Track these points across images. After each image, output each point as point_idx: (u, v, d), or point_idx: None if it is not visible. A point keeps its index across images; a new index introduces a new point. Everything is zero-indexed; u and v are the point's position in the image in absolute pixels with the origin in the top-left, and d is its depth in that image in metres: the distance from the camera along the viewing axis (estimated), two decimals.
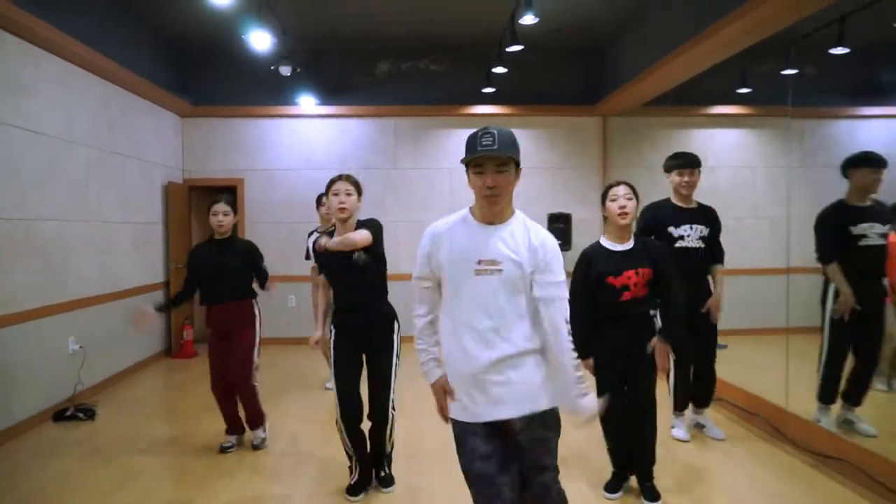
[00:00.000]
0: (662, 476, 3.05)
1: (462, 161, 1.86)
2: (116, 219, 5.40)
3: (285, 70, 5.62)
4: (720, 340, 5.17)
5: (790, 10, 3.74)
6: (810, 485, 3.12)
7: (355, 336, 2.97)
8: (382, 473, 3.10)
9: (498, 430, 1.83)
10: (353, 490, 2.98)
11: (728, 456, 3.53)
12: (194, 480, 3.24)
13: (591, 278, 2.79)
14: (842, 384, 3.60)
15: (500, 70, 6.07)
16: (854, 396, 3.59)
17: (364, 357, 3.01)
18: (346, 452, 3.03)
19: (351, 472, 3.04)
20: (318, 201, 4.80)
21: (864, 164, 3.45)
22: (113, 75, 5.21)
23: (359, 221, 2.97)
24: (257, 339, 3.64)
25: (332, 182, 2.97)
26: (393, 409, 3.03)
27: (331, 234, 3.01)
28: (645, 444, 2.91)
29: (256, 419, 3.68)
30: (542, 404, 1.82)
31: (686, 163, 3.61)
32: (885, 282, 3.58)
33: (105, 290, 5.16)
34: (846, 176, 3.53)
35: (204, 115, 6.89)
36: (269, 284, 3.69)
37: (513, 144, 1.81)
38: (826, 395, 3.61)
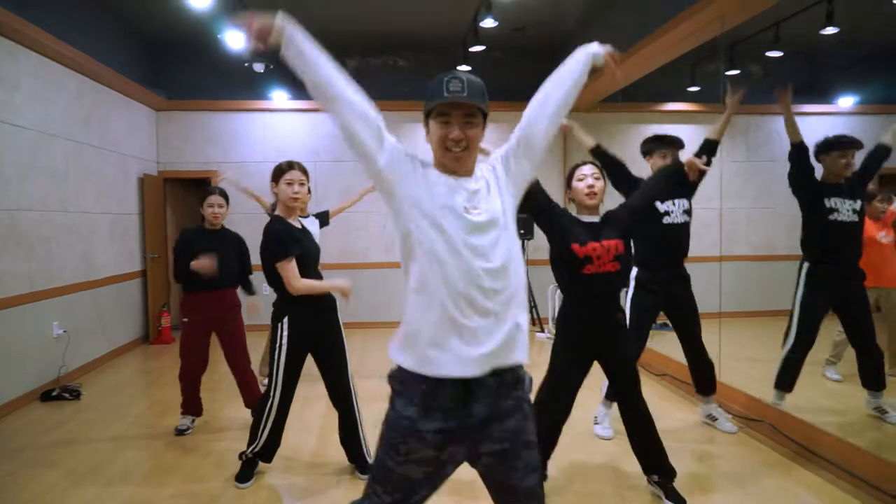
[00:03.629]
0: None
1: (425, 109, 1.58)
2: (95, 209, 5.59)
3: (259, 67, 5.86)
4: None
5: (716, 22, 4.15)
6: (737, 443, 3.56)
7: (311, 329, 2.99)
8: (366, 460, 3.08)
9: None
10: (243, 477, 3.04)
11: (665, 419, 3.94)
12: (174, 457, 3.52)
13: (554, 215, 2.65)
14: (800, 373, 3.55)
15: (464, 69, 6.39)
16: (874, 381, 3.51)
17: (314, 351, 3.05)
18: (258, 436, 2.99)
19: (242, 458, 3.09)
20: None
21: (833, 147, 3.47)
22: (87, 70, 5.37)
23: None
24: (244, 330, 3.80)
25: (282, 170, 2.94)
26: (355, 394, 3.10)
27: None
28: (650, 432, 2.78)
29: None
30: None
31: (667, 143, 3.60)
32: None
33: (86, 277, 5.36)
34: (818, 161, 3.54)
35: (178, 109, 7.06)
36: (255, 298, 3.71)
37: (483, 95, 1.58)
38: (784, 383, 3.58)
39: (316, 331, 3.00)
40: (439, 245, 1.48)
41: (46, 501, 2.89)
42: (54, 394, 4.54)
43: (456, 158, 1.55)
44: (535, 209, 2.64)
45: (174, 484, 3.07)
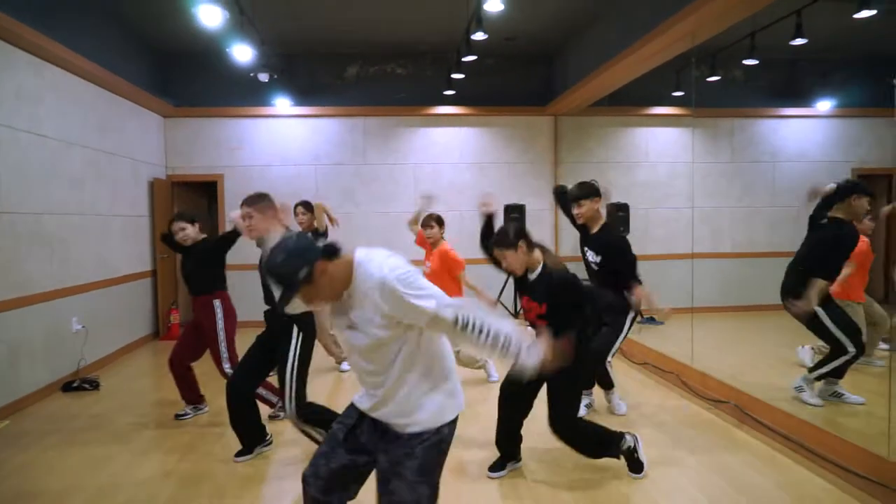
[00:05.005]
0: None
1: None
2: (108, 212, 5.92)
3: (263, 77, 6.17)
4: (658, 318, 5.87)
5: (687, 37, 4.49)
6: (702, 422, 3.89)
7: (268, 326, 3.36)
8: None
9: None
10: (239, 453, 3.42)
11: (643, 402, 4.27)
12: (190, 438, 3.87)
13: None
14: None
15: (458, 76, 6.72)
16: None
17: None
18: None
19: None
20: (295, 210, 5.00)
21: (865, 193, 3.82)
22: (102, 80, 5.69)
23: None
24: (220, 332, 3.93)
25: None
26: (292, 400, 3.16)
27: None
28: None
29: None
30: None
31: (572, 196, 3.67)
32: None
33: (101, 276, 5.69)
34: (843, 200, 3.79)
35: (185, 116, 7.40)
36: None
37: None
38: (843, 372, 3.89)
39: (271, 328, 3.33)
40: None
41: (78, 474, 3.23)
42: (75, 385, 4.87)
43: None
44: None
45: (191, 459, 3.40)
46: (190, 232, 3.97)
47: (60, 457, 3.49)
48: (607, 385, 4.10)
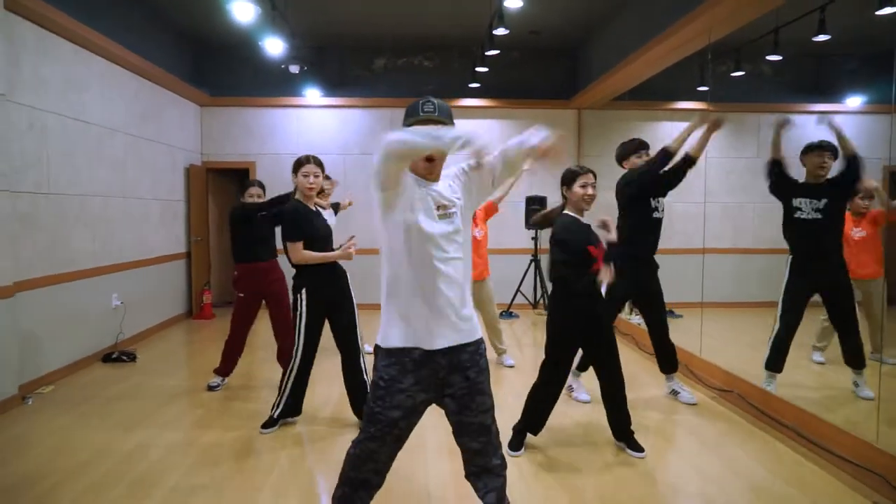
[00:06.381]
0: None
1: (404, 124, 1.92)
2: (148, 196, 6.26)
3: (294, 68, 6.42)
4: (677, 311, 5.94)
5: (704, 34, 4.55)
6: (706, 409, 4.00)
7: (325, 294, 3.50)
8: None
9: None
10: (267, 424, 3.60)
11: (649, 388, 4.40)
12: (217, 409, 4.14)
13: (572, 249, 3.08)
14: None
15: (482, 69, 6.87)
16: (854, 361, 3.91)
17: (329, 315, 3.52)
18: (281, 392, 3.58)
19: (273, 408, 3.62)
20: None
21: (812, 149, 3.92)
22: (144, 70, 6.02)
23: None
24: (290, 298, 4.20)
25: (300, 163, 3.47)
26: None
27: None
28: (621, 406, 3.30)
29: None
30: None
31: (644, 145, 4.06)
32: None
33: (140, 256, 6.04)
34: (801, 161, 3.97)
35: (220, 105, 7.71)
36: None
37: (450, 115, 1.94)
38: (772, 363, 3.88)
39: (329, 297, 3.52)
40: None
41: (112, 437, 3.53)
42: (114, 356, 5.21)
43: (426, 167, 1.91)
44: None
45: (215, 430, 3.66)
46: (263, 199, 4.36)
47: (97, 421, 3.79)
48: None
